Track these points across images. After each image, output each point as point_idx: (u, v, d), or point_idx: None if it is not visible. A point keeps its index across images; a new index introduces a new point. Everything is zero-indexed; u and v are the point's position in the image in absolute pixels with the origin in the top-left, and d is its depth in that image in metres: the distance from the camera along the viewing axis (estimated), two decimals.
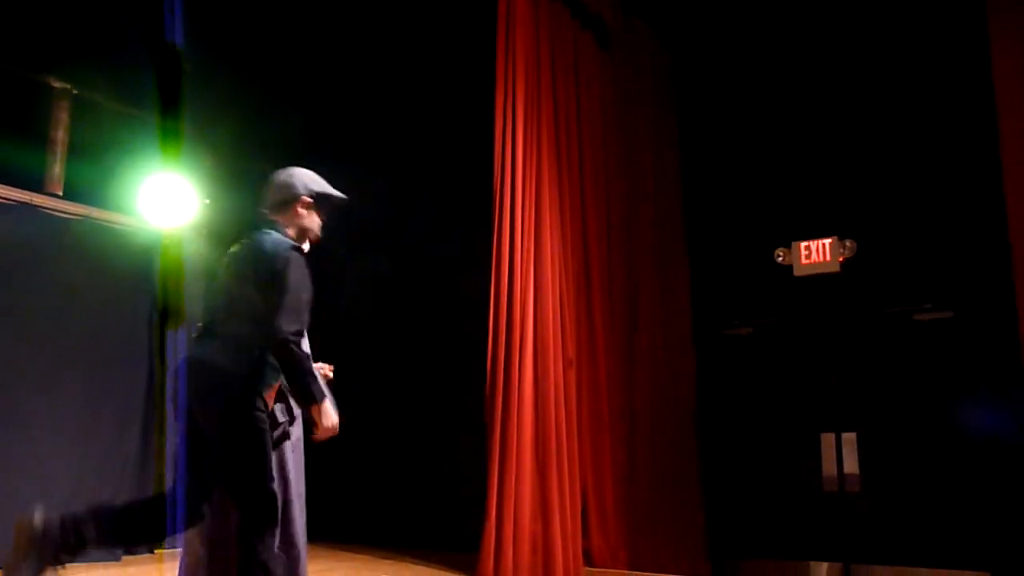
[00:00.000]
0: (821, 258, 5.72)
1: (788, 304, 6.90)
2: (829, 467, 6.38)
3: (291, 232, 3.04)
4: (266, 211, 3.07)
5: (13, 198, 5.58)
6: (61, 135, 5.88)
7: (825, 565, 6.62)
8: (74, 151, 5.94)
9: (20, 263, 5.49)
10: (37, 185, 5.75)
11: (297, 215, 3.06)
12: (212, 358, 2.85)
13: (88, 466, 5.70)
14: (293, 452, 3.37)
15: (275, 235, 2.98)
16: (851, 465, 6.31)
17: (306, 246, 3.09)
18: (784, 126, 7.22)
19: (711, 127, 7.58)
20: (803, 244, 5.84)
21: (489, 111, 5.67)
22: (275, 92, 6.95)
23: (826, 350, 6.37)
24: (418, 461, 6.76)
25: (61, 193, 5.83)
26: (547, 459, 5.52)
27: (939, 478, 6.29)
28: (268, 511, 2.80)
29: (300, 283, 2.85)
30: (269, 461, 2.85)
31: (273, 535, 2.80)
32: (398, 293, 7.16)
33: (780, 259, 5.97)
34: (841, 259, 5.69)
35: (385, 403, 6.99)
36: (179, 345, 5.93)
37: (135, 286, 6.15)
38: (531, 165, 5.76)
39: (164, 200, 6.06)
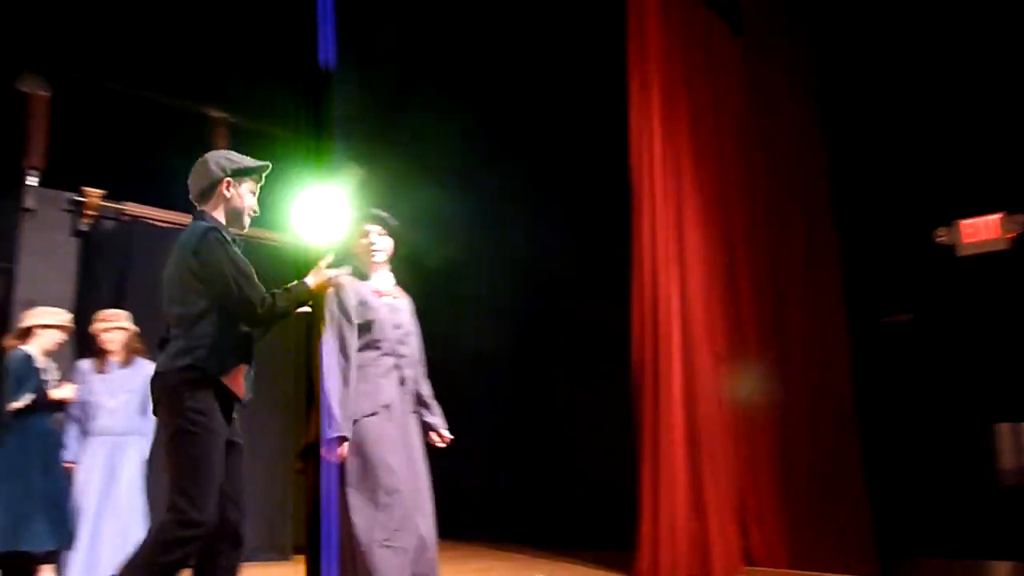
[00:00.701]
0: (988, 236, 5.39)
1: (951, 287, 6.49)
2: (1007, 459, 5.98)
3: (222, 216, 2.96)
4: (195, 204, 3.00)
5: (179, 222, 5.99)
6: None
7: (1005, 564, 6.19)
8: None
9: None
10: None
11: (224, 198, 2.96)
12: (159, 365, 2.85)
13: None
14: (392, 453, 3.35)
15: (194, 225, 2.92)
16: None
17: (247, 221, 3.03)
18: (937, 95, 6.79)
19: (856, 104, 7.23)
20: (966, 222, 5.52)
21: (623, 107, 5.64)
22: (419, 103, 7.14)
23: (996, 334, 5.97)
24: (570, 461, 6.79)
25: None
26: (700, 456, 5.43)
27: None
28: (187, 523, 2.63)
29: (227, 257, 2.78)
30: (204, 462, 2.69)
31: (186, 548, 2.65)
32: (541, 295, 7.21)
33: (941, 239, 5.66)
34: (1012, 235, 5.34)
35: (536, 406, 7.06)
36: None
37: None
38: (670, 159, 5.68)
39: (317, 217, 6.34)
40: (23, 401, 4.42)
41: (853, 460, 6.74)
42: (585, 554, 6.14)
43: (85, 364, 4.82)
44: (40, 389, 4.46)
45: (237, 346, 2.82)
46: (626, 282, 5.63)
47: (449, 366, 7.35)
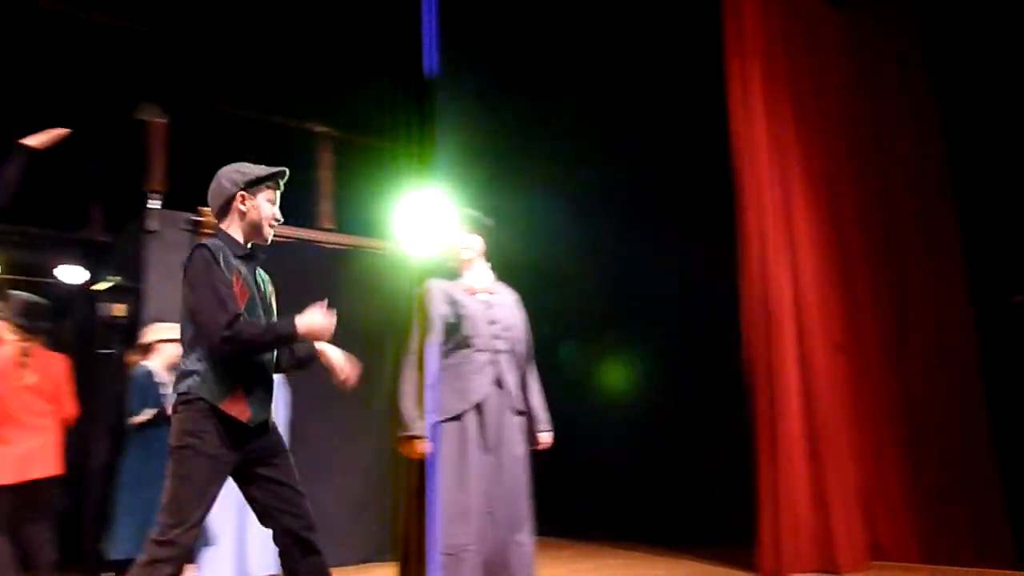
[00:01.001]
0: None
1: None
2: None
3: (240, 231, 2.89)
4: (216, 222, 2.96)
5: (290, 236, 6.20)
6: (326, 174, 6.47)
7: None
8: (339, 187, 6.52)
9: (301, 295, 6.07)
10: (309, 222, 6.37)
11: (240, 212, 2.89)
12: None
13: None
14: (470, 457, 3.37)
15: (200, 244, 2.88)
16: None
17: (268, 232, 2.94)
18: None
19: (970, 69, 6.84)
20: None
21: (721, 89, 5.52)
22: (516, 106, 7.19)
23: None
24: (684, 456, 6.68)
25: (331, 227, 6.40)
26: (819, 448, 5.27)
27: None
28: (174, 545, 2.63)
29: (204, 276, 2.69)
30: (190, 483, 2.66)
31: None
32: (648, 289, 7.12)
33: None
34: None
35: (648, 400, 6.99)
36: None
37: (398, 308, 6.60)
38: (773, 139, 5.53)
39: (422, 225, 6.47)
40: (145, 416, 4.64)
41: (984, 449, 6.39)
42: (702, 551, 6.04)
43: None
44: (161, 403, 4.65)
45: (233, 371, 2.73)
46: (734, 271, 5.51)
47: (559, 364, 7.41)
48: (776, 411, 5.21)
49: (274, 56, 6.32)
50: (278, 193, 2.98)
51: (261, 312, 2.86)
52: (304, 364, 3.10)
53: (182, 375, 2.75)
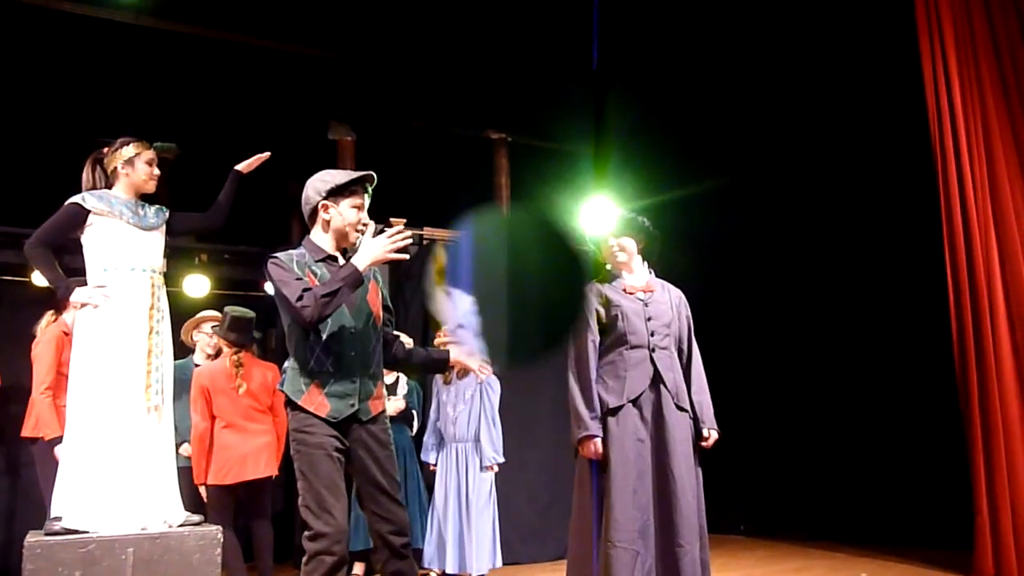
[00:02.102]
0: None
1: None
2: None
3: (327, 238, 2.99)
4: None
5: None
6: (503, 180, 6.63)
7: None
8: (515, 191, 6.66)
9: None
10: None
11: (326, 222, 2.97)
12: None
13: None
14: (630, 452, 3.38)
15: None
16: None
17: (356, 238, 2.99)
18: None
19: None
20: None
21: (914, 55, 5.20)
22: (689, 98, 7.07)
23: None
24: (889, 453, 6.30)
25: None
26: None
27: None
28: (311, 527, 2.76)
29: (277, 277, 2.82)
30: (312, 475, 2.78)
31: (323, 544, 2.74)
32: (847, 279, 6.77)
33: None
34: None
35: (851, 396, 6.65)
36: None
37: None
38: (974, 107, 5.13)
39: (600, 226, 6.50)
40: None
41: None
42: (911, 551, 5.68)
43: (439, 378, 5.53)
44: None
45: (310, 368, 2.86)
46: (938, 253, 5.16)
47: (755, 358, 7.20)
48: (989, 404, 4.83)
49: (450, 68, 6.54)
50: (366, 197, 3.04)
51: (347, 311, 2.91)
52: (440, 367, 3.34)
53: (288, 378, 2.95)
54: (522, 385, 6.16)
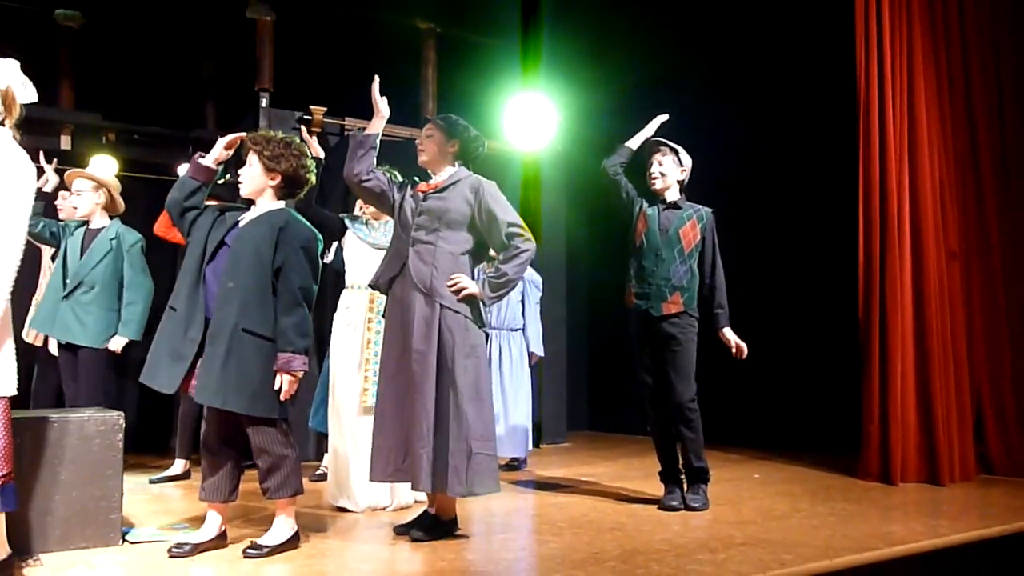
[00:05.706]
0: None
1: None
2: None
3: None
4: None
5: (397, 135, 6.23)
6: (431, 72, 6.42)
7: None
8: (443, 85, 6.47)
9: None
10: (415, 121, 6.37)
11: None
12: None
13: None
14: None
15: None
16: None
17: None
18: None
19: None
20: None
21: None
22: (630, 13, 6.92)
23: None
24: (784, 365, 6.54)
25: None
26: (930, 359, 5.11)
27: None
28: None
29: None
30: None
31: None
32: (760, 191, 6.87)
33: None
34: None
35: (754, 306, 6.83)
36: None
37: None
38: (900, 35, 5.20)
39: (526, 122, 6.39)
40: None
41: None
42: (802, 456, 6.01)
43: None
44: None
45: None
46: (852, 174, 5.29)
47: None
48: (888, 318, 5.07)
49: None
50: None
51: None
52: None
53: None
54: None
